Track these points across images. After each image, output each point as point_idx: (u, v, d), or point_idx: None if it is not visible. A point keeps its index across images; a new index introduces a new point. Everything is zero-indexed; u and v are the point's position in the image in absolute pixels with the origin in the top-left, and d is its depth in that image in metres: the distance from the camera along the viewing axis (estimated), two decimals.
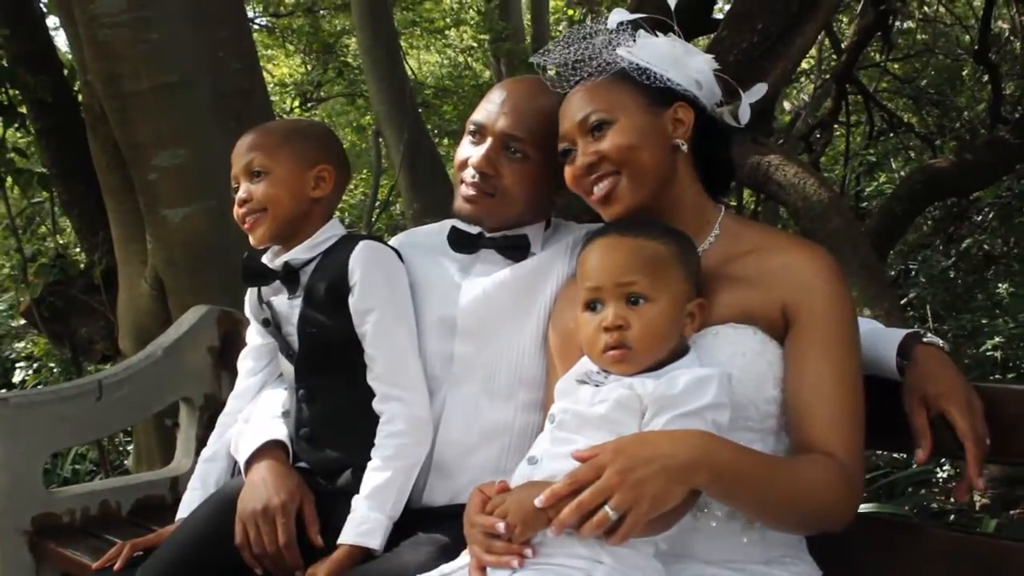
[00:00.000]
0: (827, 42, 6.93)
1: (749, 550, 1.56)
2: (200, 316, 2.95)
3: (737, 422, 1.54)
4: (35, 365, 7.88)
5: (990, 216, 7.57)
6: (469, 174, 1.87)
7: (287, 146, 1.94)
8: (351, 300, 1.87)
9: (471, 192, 1.87)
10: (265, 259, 1.99)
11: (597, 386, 1.51)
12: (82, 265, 4.22)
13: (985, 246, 7.08)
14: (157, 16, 3.33)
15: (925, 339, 1.70)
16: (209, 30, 3.46)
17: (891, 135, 7.68)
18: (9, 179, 3.95)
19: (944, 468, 5.40)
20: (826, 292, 1.59)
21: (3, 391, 5.28)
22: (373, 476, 1.80)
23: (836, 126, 6.66)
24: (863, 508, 3.44)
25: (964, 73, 8.39)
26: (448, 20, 10.93)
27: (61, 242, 4.45)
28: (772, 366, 1.59)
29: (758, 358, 1.58)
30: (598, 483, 1.35)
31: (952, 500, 4.84)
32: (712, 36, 4.10)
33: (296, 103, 8.96)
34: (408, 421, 1.84)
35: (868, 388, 1.62)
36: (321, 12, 9.37)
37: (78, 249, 4.69)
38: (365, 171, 11.28)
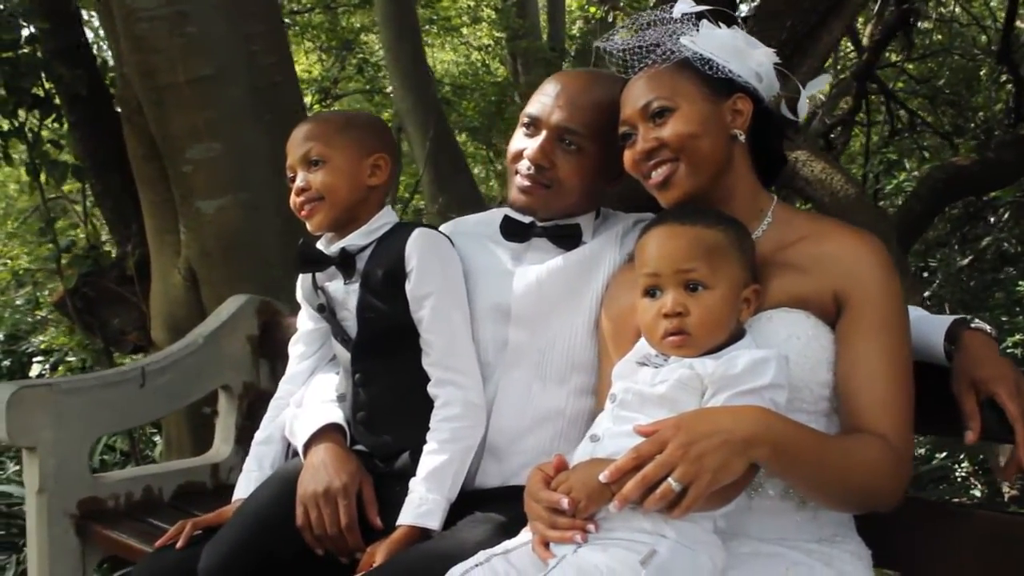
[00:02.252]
0: (843, 41, 6.95)
1: (802, 528, 1.60)
2: (239, 305, 2.99)
3: (792, 403, 1.58)
4: (52, 360, 7.94)
5: (1005, 216, 7.58)
6: (524, 166, 1.91)
7: (345, 135, 1.98)
8: (408, 286, 1.91)
9: (526, 183, 1.90)
10: (320, 245, 2.03)
11: (657, 368, 1.55)
12: (114, 256, 4.26)
13: (1005, 244, 7.09)
14: (194, 10, 3.38)
15: (973, 325, 1.74)
16: (243, 24, 3.51)
17: (906, 135, 7.70)
18: (43, 170, 3.99)
19: (962, 465, 5.43)
20: (877, 278, 1.63)
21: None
22: (430, 459, 1.84)
23: (855, 126, 6.69)
24: None
25: (982, 73, 8.40)
26: (465, 18, 10.96)
27: (91, 233, 4.48)
28: (825, 350, 1.62)
29: (812, 342, 1.62)
30: (661, 456, 1.39)
31: (974, 494, 4.88)
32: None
33: (315, 99, 8.99)
34: (463, 405, 1.88)
35: (915, 373, 1.66)
36: (340, 9, 9.40)
37: (105, 240, 4.74)
38: None
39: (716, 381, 1.48)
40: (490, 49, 11.41)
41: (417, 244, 1.92)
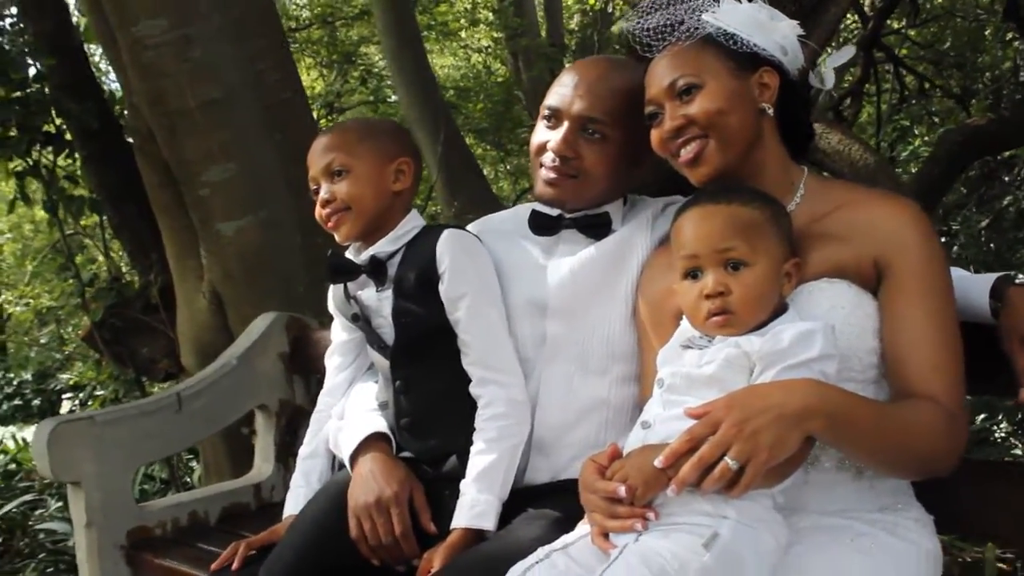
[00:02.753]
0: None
1: (861, 498, 1.59)
2: (269, 323, 2.99)
3: (841, 373, 1.56)
4: (80, 395, 7.99)
5: (1022, 174, 7.51)
6: (549, 158, 1.89)
7: (365, 143, 1.97)
8: (442, 288, 1.90)
9: (552, 176, 1.89)
10: (349, 254, 2.02)
11: (702, 349, 1.54)
12: (137, 286, 4.28)
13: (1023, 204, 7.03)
14: (198, 34, 3.38)
15: (1018, 280, 1.71)
16: (248, 44, 3.52)
17: (914, 101, 7.64)
18: (60, 206, 4.01)
19: (1001, 426, 5.38)
20: (916, 242, 1.61)
21: None
22: (479, 459, 1.83)
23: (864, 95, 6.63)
24: None
25: (987, 33, 8.32)
26: (463, 21, 10.96)
27: (112, 265, 4.49)
28: (870, 317, 1.61)
29: (856, 310, 1.60)
30: (715, 436, 1.37)
31: (1016, 453, 4.83)
32: None
33: (321, 114, 9.01)
34: (507, 403, 1.86)
35: (961, 334, 1.64)
36: (338, 22, 9.42)
37: (125, 270, 4.76)
38: None
39: (764, 357, 1.46)
40: (490, 50, 11.41)
41: (448, 245, 1.91)
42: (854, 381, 1.59)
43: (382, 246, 1.97)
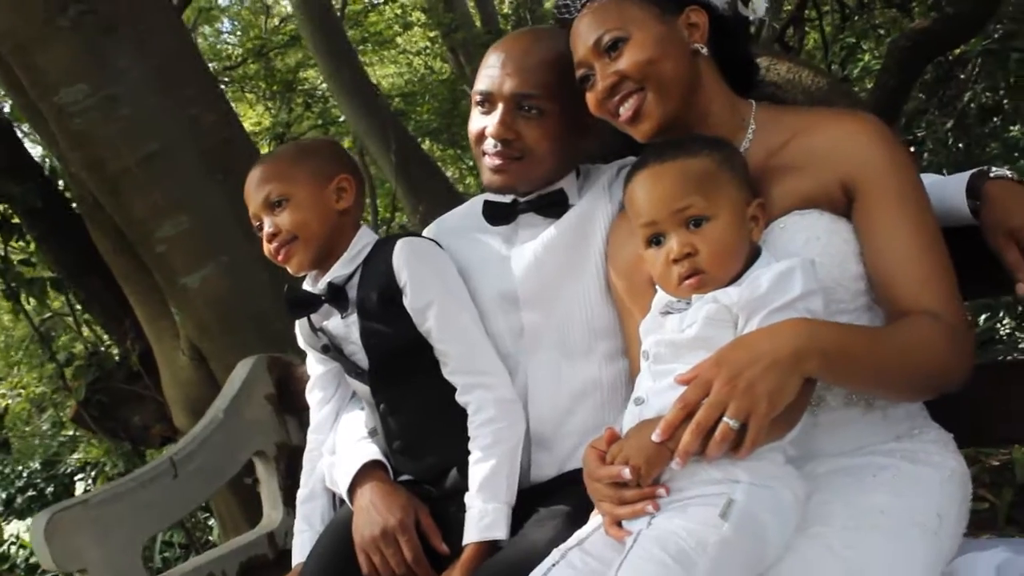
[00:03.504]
0: None
1: (876, 431, 1.52)
2: (250, 368, 2.90)
3: (829, 307, 1.50)
4: (93, 473, 7.90)
5: (977, 69, 7.45)
6: (490, 145, 1.82)
7: (300, 167, 1.89)
8: (406, 301, 1.83)
9: (497, 162, 1.81)
10: (306, 286, 1.95)
11: (682, 312, 1.46)
12: (116, 356, 4.20)
13: (984, 97, 6.97)
14: (122, 92, 3.28)
15: (993, 174, 1.64)
16: (176, 92, 3.42)
17: (856, 18, 7.57)
18: (22, 292, 3.92)
19: (1004, 323, 5.34)
20: (881, 156, 1.54)
21: None
22: (478, 468, 1.76)
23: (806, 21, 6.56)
24: None
25: None
26: (396, 28, 10.85)
27: (89, 338, 4.41)
28: (848, 243, 1.54)
29: (833, 237, 1.53)
30: (709, 398, 1.31)
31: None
32: None
33: (272, 146, 8.91)
34: (496, 405, 1.79)
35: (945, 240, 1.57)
36: (272, 52, 9.31)
37: (106, 340, 4.67)
38: None
39: (745, 307, 1.39)
40: (429, 51, 11.30)
41: (403, 256, 1.84)
42: (846, 312, 1.53)
43: (337, 270, 1.89)
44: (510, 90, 1.79)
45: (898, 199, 1.51)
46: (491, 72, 1.81)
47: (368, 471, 1.86)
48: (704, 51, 1.65)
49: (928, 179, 1.72)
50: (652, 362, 1.48)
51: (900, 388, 1.47)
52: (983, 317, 5.19)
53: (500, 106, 1.79)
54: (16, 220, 4.00)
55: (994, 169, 1.66)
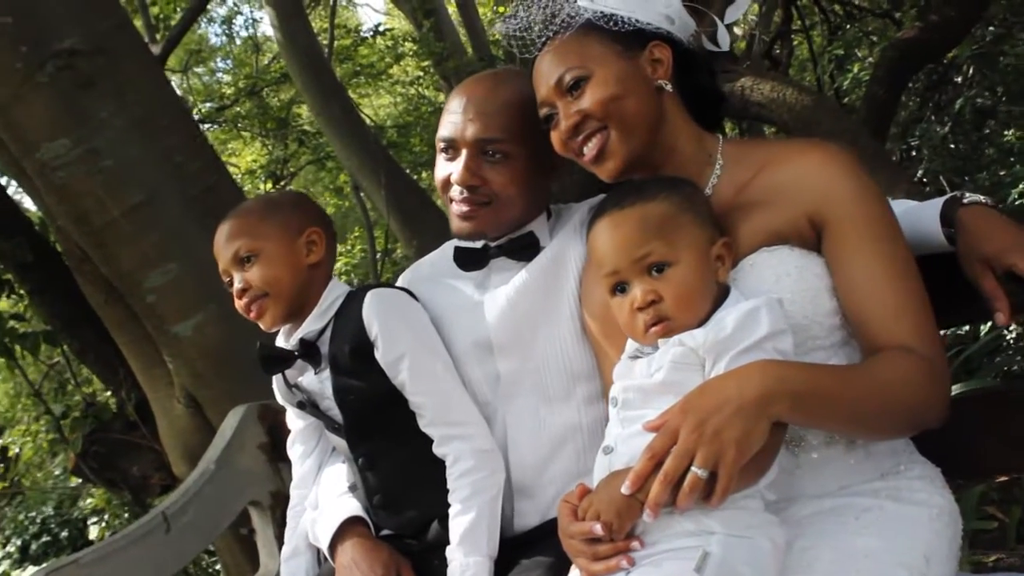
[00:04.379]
0: None
1: (859, 469, 1.49)
2: (240, 418, 2.87)
3: (804, 344, 1.47)
4: (107, 517, 7.88)
5: (970, 72, 7.42)
6: (456, 192, 1.79)
7: (268, 221, 1.87)
8: (377, 354, 1.80)
9: (464, 208, 1.79)
10: (279, 341, 1.92)
11: (650, 356, 1.44)
12: (113, 407, 4.18)
13: (978, 100, 6.93)
14: (103, 144, 3.27)
15: (966, 200, 1.61)
16: (159, 140, 3.41)
17: (848, 26, 7.56)
18: (17, 347, 3.91)
19: (1011, 328, 5.27)
20: (847, 187, 1.51)
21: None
22: (459, 521, 1.73)
23: (794, 35, 6.56)
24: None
25: None
26: (387, 59, 10.88)
27: (88, 391, 4.40)
28: (820, 277, 1.51)
29: (804, 273, 1.50)
30: (676, 447, 1.28)
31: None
32: None
33: (269, 185, 8.92)
34: (475, 455, 1.76)
35: (920, 268, 1.54)
36: (264, 90, 9.34)
37: (102, 391, 4.66)
38: (358, 228, 11.23)
39: (711, 349, 1.36)
40: (422, 80, 11.33)
41: (374, 309, 1.81)
42: (821, 349, 1.50)
43: (308, 325, 1.86)
44: (473, 136, 1.76)
45: (867, 230, 1.48)
46: (453, 118, 1.79)
47: (349, 527, 1.83)
48: (668, 87, 1.62)
49: (902, 206, 1.69)
50: (621, 408, 1.45)
51: (877, 426, 1.43)
52: (987, 327, 5.14)
53: (464, 152, 1.77)
54: (7, 276, 3.99)
55: (967, 195, 1.63)
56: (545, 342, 1.80)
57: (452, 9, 11.89)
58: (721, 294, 1.46)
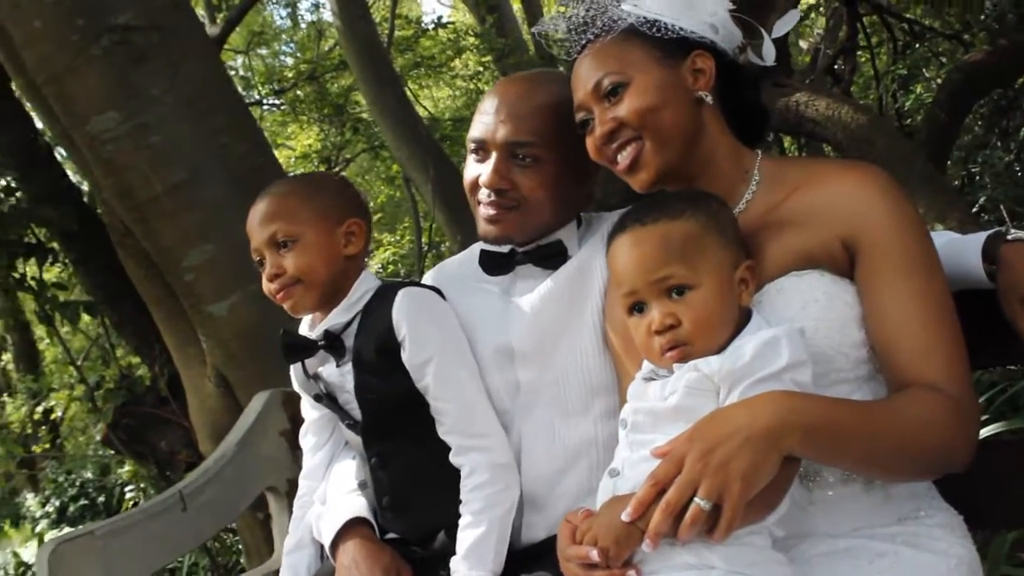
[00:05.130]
0: None
1: (876, 512, 1.43)
2: (264, 402, 2.87)
3: (828, 376, 1.41)
4: (142, 485, 7.99)
5: None
6: (484, 194, 1.76)
7: (309, 206, 1.81)
8: (404, 355, 1.75)
9: (492, 212, 1.76)
10: (303, 328, 1.90)
11: (664, 379, 1.39)
12: (147, 381, 4.22)
13: None
14: (153, 120, 3.30)
15: (1010, 236, 1.54)
16: (208, 120, 3.43)
17: (916, 46, 7.39)
18: (56, 315, 3.96)
19: None
20: (885, 212, 1.44)
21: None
22: (467, 533, 1.69)
23: (859, 51, 6.42)
24: (988, 432, 3.22)
25: None
26: (449, 52, 10.87)
27: (124, 364, 4.44)
28: (851, 307, 1.45)
29: (833, 301, 1.44)
30: (681, 476, 1.23)
31: None
32: None
33: (322, 168, 8.97)
34: (491, 469, 1.72)
35: (960, 305, 1.47)
36: (326, 75, 9.39)
37: (137, 364, 4.70)
38: (408, 219, 11.25)
39: (727, 377, 1.31)
40: (481, 75, 11.30)
41: (404, 309, 1.76)
42: (845, 382, 1.44)
43: (335, 317, 1.82)
44: (503, 138, 1.73)
45: (902, 260, 1.42)
46: (485, 119, 1.76)
47: (353, 527, 1.80)
48: (708, 99, 1.57)
49: (943, 237, 1.62)
50: (630, 431, 1.40)
51: (896, 468, 1.37)
52: None
53: (494, 154, 1.74)
54: (53, 245, 4.04)
55: (1012, 231, 1.55)
56: (566, 353, 1.76)
57: (516, 5, 11.86)
58: (743, 319, 1.40)
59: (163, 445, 4.02)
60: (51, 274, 4.21)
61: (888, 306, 1.41)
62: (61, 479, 12.14)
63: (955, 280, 1.52)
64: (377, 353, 1.77)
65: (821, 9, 8.28)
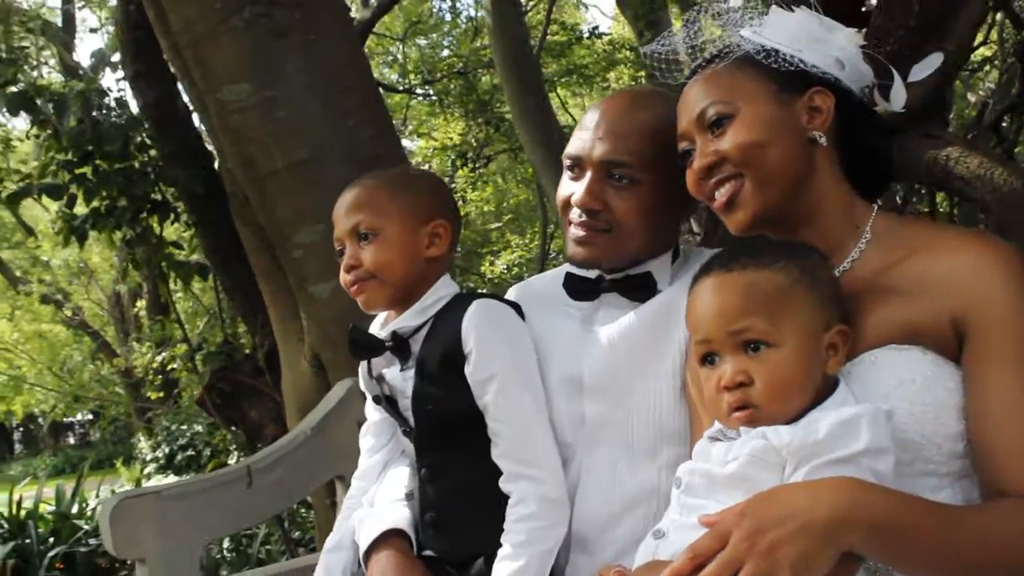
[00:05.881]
0: (1008, 21, 6.31)
1: None
2: (346, 390, 2.86)
3: (915, 466, 1.27)
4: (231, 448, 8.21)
5: None
6: (575, 214, 1.66)
7: (397, 201, 1.75)
8: (467, 369, 1.67)
9: (581, 233, 1.66)
10: (373, 327, 1.84)
11: (730, 442, 1.27)
12: (247, 349, 4.28)
13: None
14: (283, 95, 3.33)
15: None
16: (337, 102, 3.44)
17: None
18: (171, 273, 4.06)
19: None
20: (1004, 292, 1.29)
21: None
22: (504, 565, 1.59)
23: None
24: None
25: None
26: (603, 63, 10.79)
27: (231, 331, 4.53)
28: (952, 393, 1.29)
29: (932, 384, 1.29)
30: (724, 553, 1.11)
31: None
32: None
33: (459, 163, 9.02)
34: (539, 501, 1.62)
35: None
36: (474, 72, 9.44)
37: (241, 332, 4.79)
38: (538, 223, 11.24)
39: (796, 452, 1.18)
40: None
41: (474, 321, 1.68)
42: (934, 475, 1.29)
43: (405, 320, 1.76)
44: (600, 156, 1.63)
45: (1016, 348, 1.26)
46: (583, 135, 1.66)
47: (390, 538, 1.72)
48: (823, 140, 1.43)
49: None
50: (683, 492, 1.29)
51: None
52: None
53: (589, 172, 1.64)
54: (178, 205, 4.14)
55: None
56: (641, 393, 1.64)
57: (678, 24, 11.68)
58: (827, 388, 1.27)
59: (253, 415, 4.07)
60: (171, 232, 4.32)
61: (992, 398, 1.26)
62: (174, 427, 12.62)
63: None
64: (441, 363, 1.70)
65: (996, 62, 7.81)
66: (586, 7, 17.49)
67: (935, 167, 3.47)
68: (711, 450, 1.30)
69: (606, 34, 10.61)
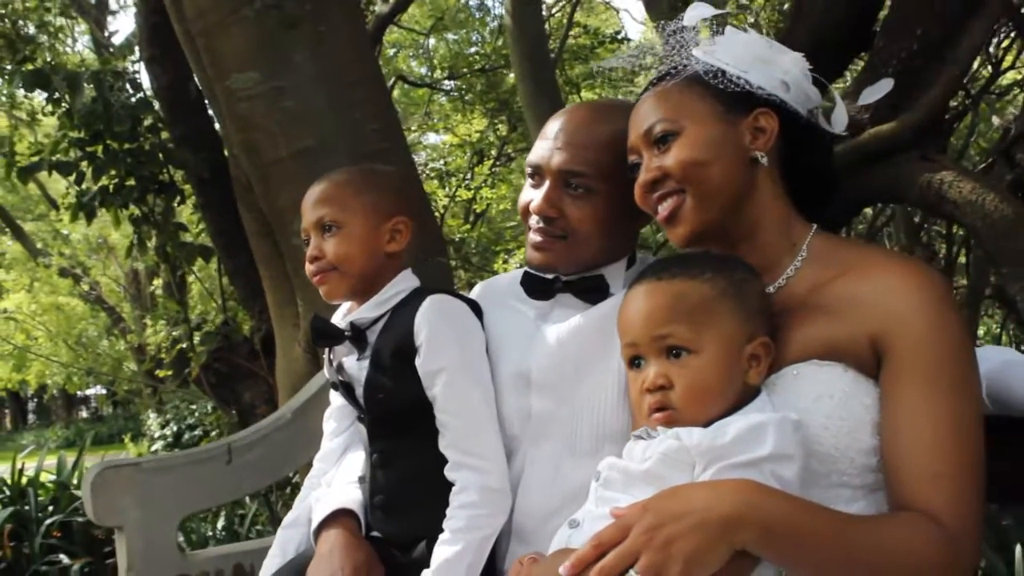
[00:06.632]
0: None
1: None
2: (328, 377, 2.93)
3: (830, 477, 1.32)
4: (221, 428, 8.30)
5: None
6: (533, 220, 1.73)
7: (361, 198, 1.84)
8: (418, 361, 1.75)
9: (539, 239, 1.72)
10: (336, 316, 1.92)
11: (648, 440, 1.33)
12: (247, 332, 4.36)
13: None
14: (290, 85, 3.40)
15: None
16: (345, 93, 3.50)
17: None
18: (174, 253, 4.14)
19: None
20: (922, 316, 1.33)
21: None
22: (442, 549, 1.66)
23: None
24: None
25: None
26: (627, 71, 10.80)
27: (231, 314, 4.61)
28: (869, 410, 1.35)
29: (849, 400, 1.34)
30: (623, 544, 1.17)
31: None
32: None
33: (475, 160, 9.08)
34: (481, 491, 1.69)
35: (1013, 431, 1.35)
36: (498, 71, 9.50)
37: (240, 314, 4.87)
38: None
39: (704, 453, 1.24)
40: None
41: (427, 316, 1.76)
42: (848, 487, 1.34)
43: (364, 311, 1.84)
44: (557, 165, 1.69)
45: (929, 371, 1.31)
46: (544, 144, 1.72)
47: (340, 517, 1.80)
48: (764, 160, 1.48)
49: (1003, 355, 1.50)
50: (601, 485, 1.35)
51: None
52: None
53: (547, 181, 1.70)
54: (185, 187, 4.22)
55: None
56: (586, 393, 1.70)
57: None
58: (747, 397, 1.33)
59: (247, 396, 4.16)
60: (184, 214, 4.41)
61: (903, 419, 1.30)
62: (182, 405, 12.76)
63: (1005, 404, 1.40)
64: (394, 354, 1.78)
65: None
66: (616, 11, 17.49)
67: (928, 190, 3.50)
68: (634, 448, 1.36)
69: (630, 39, 10.63)
